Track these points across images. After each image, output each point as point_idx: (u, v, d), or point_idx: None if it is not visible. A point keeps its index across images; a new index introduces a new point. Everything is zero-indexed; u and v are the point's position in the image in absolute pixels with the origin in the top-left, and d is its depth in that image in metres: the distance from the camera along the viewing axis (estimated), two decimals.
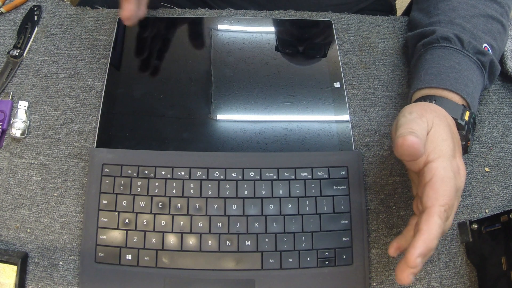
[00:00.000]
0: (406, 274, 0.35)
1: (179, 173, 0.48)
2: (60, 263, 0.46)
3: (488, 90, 0.57)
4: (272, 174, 0.48)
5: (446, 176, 0.37)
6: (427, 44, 0.50)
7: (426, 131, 0.38)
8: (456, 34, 0.48)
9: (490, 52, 0.49)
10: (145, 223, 0.46)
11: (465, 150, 0.45)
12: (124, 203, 0.46)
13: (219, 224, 0.46)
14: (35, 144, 0.51)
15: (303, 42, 0.59)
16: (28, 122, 0.52)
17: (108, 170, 0.47)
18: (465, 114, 0.44)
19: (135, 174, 0.47)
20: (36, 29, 0.59)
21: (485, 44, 0.49)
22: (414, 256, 0.34)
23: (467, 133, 0.44)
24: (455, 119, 0.43)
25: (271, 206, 0.47)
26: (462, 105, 0.45)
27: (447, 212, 0.36)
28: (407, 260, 0.34)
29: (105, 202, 0.47)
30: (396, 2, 0.80)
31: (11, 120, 0.52)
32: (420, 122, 0.38)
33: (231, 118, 0.53)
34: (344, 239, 0.46)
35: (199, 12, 0.61)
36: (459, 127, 0.43)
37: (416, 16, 0.56)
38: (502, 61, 0.56)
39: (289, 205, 0.47)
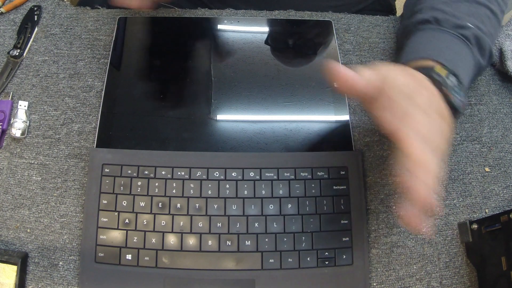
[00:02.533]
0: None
1: (179, 173, 0.48)
2: (60, 263, 0.46)
3: (488, 90, 0.57)
4: (272, 174, 0.48)
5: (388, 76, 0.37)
6: (407, 33, 0.51)
7: (374, 75, 0.38)
8: (434, 15, 0.48)
9: (475, 28, 0.47)
10: (145, 223, 0.46)
11: (452, 106, 0.42)
12: (124, 203, 0.46)
13: (219, 224, 0.46)
14: (35, 144, 0.51)
15: (303, 42, 0.59)
16: (28, 122, 0.52)
17: (108, 170, 0.47)
18: (435, 68, 0.42)
19: (135, 174, 0.47)
20: (36, 29, 0.59)
21: (468, 24, 0.47)
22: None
23: (446, 88, 0.41)
24: (426, 74, 0.41)
25: (271, 206, 0.47)
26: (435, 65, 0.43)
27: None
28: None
29: (105, 202, 0.47)
30: (396, 2, 0.80)
31: (11, 120, 0.52)
32: (369, 70, 0.38)
33: (231, 118, 0.53)
34: (344, 239, 0.46)
35: (199, 12, 0.61)
36: (435, 83, 0.41)
37: (404, 10, 0.57)
38: (502, 61, 0.56)
39: (289, 205, 0.47)
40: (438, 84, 0.41)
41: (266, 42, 0.58)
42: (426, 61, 0.44)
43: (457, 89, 0.43)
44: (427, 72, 0.41)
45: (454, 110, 0.42)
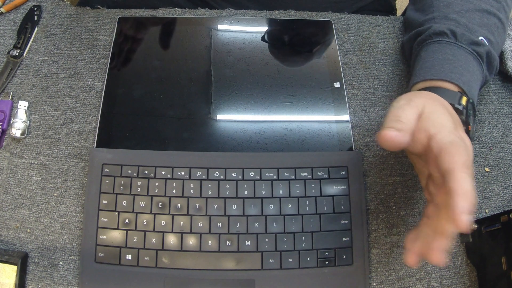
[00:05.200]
0: (439, 251, 0.33)
1: (179, 173, 0.48)
2: (60, 263, 0.46)
3: (488, 90, 0.57)
4: (272, 174, 0.48)
5: (455, 140, 0.36)
6: (422, 41, 0.51)
7: (415, 114, 0.38)
8: (450, 28, 0.48)
9: (487, 43, 0.49)
10: (145, 223, 0.46)
11: (467, 136, 0.44)
12: (124, 203, 0.46)
13: (219, 224, 0.46)
14: (35, 144, 0.51)
15: (303, 42, 0.59)
16: (28, 122, 0.52)
17: (108, 170, 0.47)
18: (461, 99, 0.44)
19: (135, 174, 0.47)
20: (36, 29, 0.59)
21: (481, 37, 0.49)
22: (458, 211, 0.31)
23: (466, 118, 0.44)
24: (452, 104, 0.43)
25: (271, 206, 0.47)
26: (459, 91, 0.45)
27: (469, 171, 0.34)
28: (453, 222, 0.31)
29: (105, 202, 0.47)
30: (396, 2, 0.80)
31: (11, 120, 0.52)
32: (408, 108, 0.38)
33: (231, 118, 0.53)
34: (344, 239, 0.46)
35: (199, 12, 0.61)
36: (457, 111, 0.43)
37: (412, 15, 0.57)
38: (502, 61, 0.56)
39: (289, 205, 0.47)
40: (459, 112, 0.43)
41: (263, 39, 0.58)
42: (447, 84, 0.45)
43: (472, 121, 0.45)
44: (452, 99, 0.43)
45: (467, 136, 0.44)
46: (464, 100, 0.44)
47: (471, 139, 0.45)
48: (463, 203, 0.31)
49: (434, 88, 0.45)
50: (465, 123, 0.44)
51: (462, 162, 0.34)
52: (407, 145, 0.37)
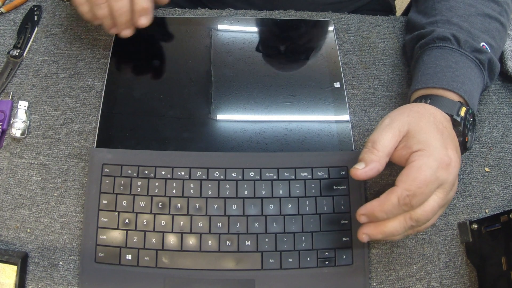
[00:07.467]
0: (359, 232, 0.41)
1: (179, 173, 0.48)
2: (60, 263, 0.46)
3: (488, 90, 0.57)
4: (272, 174, 0.48)
5: (425, 165, 0.38)
6: (424, 45, 0.51)
7: (394, 137, 0.41)
8: (453, 33, 0.48)
9: (489, 50, 0.49)
10: (145, 223, 0.46)
11: (464, 146, 0.45)
12: (124, 203, 0.46)
13: (219, 224, 0.46)
14: (35, 144, 0.51)
15: (303, 42, 0.59)
16: (28, 122, 0.52)
17: (108, 170, 0.47)
18: (461, 110, 0.44)
19: (135, 174, 0.47)
20: (36, 29, 0.59)
21: (483, 43, 0.49)
22: (359, 212, 0.40)
23: (464, 129, 0.44)
24: (451, 115, 0.44)
25: (271, 206, 0.47)
26: (459, 101, 0.45)
27: (410, 199, 0.37)
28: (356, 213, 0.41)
29: (105, 202, 0.47)
30: (395, 2, 0.81)
31: (11, 120, 0.52)
32: (387, 130, 0.41)
33: (231, 118, 0.53)
34: (344, 239, 0.46)
35: (199, 12, 0.61)
36: (455, 123, 0.44)
37: (414, 17, 0.57)
38: (502, 61, 0.56)
39: (289, 205, 0.47)
40: (457, 123, 0.44)
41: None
42: (449, 93, 0.46)
43: (471, 131, 0.45)
44: (451, 109, 0.44)
45: (464, 146, 0.45)
46: (463, 111, 0.44)
47: (468, 148, 0.45)
48: (364, 211, 0.40)
49: (435, 96, 0.45)
50: (462, 134, 0.44)
51: (407, 188, 0.37)
52: (381, 170, 0.40)
